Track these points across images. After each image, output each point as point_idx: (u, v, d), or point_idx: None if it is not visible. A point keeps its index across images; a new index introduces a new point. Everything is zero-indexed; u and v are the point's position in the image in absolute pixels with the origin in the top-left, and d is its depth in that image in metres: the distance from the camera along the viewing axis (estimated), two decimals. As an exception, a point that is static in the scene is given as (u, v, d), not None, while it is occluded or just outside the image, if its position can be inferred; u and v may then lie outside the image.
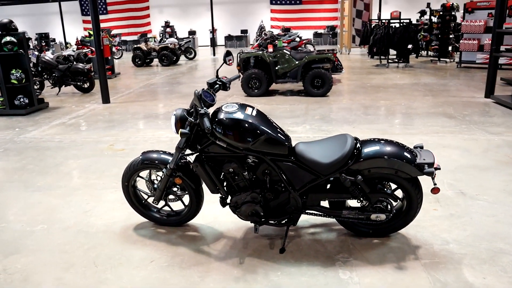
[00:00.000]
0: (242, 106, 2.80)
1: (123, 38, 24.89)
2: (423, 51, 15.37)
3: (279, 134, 2.78)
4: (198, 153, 2.90)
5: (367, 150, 2.75)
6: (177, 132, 2.85)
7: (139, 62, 15.29)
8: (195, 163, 2.86)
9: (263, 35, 12.94)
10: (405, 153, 2.72)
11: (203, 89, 2.82)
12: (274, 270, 2.73)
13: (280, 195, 2.88)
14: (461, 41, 12.26)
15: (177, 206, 3.48)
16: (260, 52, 8.44)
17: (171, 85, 10.74)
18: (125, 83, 11.53)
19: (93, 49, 11.90)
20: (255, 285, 2.59)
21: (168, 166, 2.97)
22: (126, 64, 17.34)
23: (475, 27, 11.93)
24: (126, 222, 3.45)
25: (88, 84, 9.85)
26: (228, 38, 24.32)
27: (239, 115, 2.70)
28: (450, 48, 13.79)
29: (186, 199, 3.43)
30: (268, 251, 2.95)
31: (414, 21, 14.22)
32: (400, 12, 12.93)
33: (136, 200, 3.30)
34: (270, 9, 24.74)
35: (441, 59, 13.97)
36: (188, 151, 4.71)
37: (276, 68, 8.54)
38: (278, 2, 24.40)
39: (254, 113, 2.79)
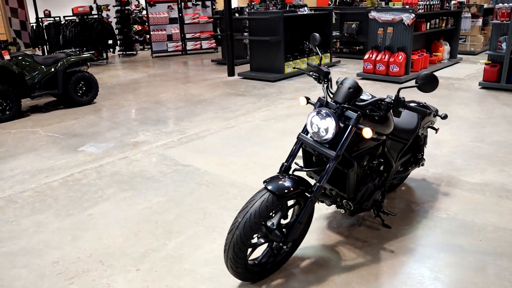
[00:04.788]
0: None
1: None
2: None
3: None
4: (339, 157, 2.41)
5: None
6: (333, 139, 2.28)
7: None
8: (350, 168, 2.39)
9: None
10: (431, 107, 3.36)
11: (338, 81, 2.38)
12: (416, 238, 2.83)
13: (384, 173, 2.89)
14: (151, 33, 13.05)
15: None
16: (1, 61, 6.19)
17: None
18: None
19: None
20: (435, 256, 2.65)
21: (318, 184, 2.29)
22: None
23: (161, 19, 13.00)
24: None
25: None
26: None
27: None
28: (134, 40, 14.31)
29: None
30: (379, 233, 2.94)
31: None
32: (90, 6, 12.13)
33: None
34: None
35: (127, 52, 14.31)
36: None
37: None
38: None
39: None
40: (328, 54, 9.80)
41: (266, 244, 2.48)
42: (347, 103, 2.33)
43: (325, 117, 2.27)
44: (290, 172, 2.47)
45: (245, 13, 10.69)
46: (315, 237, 2.91)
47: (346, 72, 9.16)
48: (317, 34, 2.61)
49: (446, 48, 9.31)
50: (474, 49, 10.84)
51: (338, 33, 10.93)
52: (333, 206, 2.99)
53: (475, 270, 2.52)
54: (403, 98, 2.28)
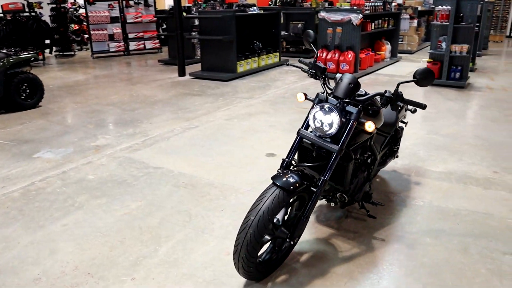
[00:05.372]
0: None
1: None
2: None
3: None
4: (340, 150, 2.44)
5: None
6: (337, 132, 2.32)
7: None
8: (349, 161, 2.45)
9: None
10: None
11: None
12: (401, 226, 2.98)
13: (371, 166, 3.00)
14: (91, 32, 12.41)
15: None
16: None
17: None
18: None
19: None
20: (423, 241, 2.80)
21: (323, 178, 2.31)
22: None
23: (101, 18, 12.40)
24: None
25: None
26: None
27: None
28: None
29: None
30: (366, 223, 3.06)
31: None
32: (23, 4, 11.19)
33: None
34: None
35: (64, 53, 13.47)
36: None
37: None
38: None
39: None
40: (278, 54, 9.95)
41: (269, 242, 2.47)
42: (348, 97, 2.40)
43: (329, 112, 2.32)
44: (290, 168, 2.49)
45: (193, 12, 10.54)
46: (307, 232, 2.95)
47: (296, 70, 9.35)
48: (311, 31, 2.65)
49: (387, 47, 9.85)
50: (411, 48, 11.59)
51: (285, 33, 11.14)
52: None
53: (460, 251, 2.71)
54: (401, 92, 2.38)
